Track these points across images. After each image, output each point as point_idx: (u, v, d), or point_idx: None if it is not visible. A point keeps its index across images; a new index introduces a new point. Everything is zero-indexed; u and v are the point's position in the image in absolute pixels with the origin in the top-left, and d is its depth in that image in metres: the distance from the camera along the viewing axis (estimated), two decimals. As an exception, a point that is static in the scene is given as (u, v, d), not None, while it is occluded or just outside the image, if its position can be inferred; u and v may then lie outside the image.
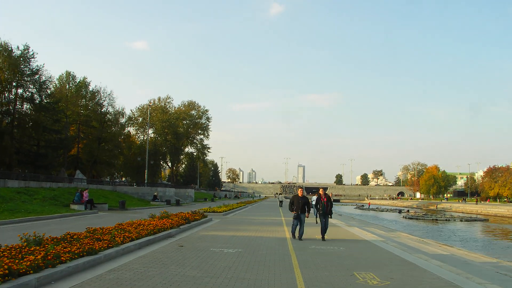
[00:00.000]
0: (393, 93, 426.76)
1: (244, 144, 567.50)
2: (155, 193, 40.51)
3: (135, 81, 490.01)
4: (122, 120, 68.97)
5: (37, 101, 44.34)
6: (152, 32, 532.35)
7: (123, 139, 69.51)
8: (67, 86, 54.35)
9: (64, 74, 54.39)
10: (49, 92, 47.07)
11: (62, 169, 46.35)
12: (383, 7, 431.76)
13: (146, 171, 62.55)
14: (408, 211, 72.14)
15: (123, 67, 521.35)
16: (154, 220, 15.36)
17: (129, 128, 73.16)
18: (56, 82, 53.72)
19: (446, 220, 53.87)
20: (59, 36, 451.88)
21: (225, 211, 27.98)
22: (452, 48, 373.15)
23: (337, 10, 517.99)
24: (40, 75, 44.70)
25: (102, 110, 56.33)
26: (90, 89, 56.56)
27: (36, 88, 44.65)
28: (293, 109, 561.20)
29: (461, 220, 53.53)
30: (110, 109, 57.29)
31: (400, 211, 70.86)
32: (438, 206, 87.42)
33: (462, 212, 70.02)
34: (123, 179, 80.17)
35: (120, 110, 66.59)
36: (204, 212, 25.94)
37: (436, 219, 54.51)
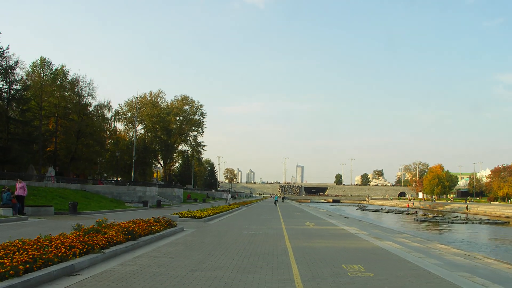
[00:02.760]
0: (392, 94, 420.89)
1: (243, 145, 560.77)
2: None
3: (125, 77, 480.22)
4: (108, 115, 62.51)
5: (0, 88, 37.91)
6: (145, 31, 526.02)
7: (109, 135, 62.98)
8: (42, 75, 47.55)
9: (38, 61, 47.54)
10: (17, 78, 40.72)
11: (30, 165, 39.65)
12: (383, 10, 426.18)
13: (132, 169, 56.11)
14: (416, 212, 65.78)
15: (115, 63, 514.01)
16: (70, 236, 8.72)
17: (116, 123, 66.50)
18: (29, 69, 47.04)
19: (463, 223, 47.56)
20: (56, 33, 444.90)
21: (209, 215, 21.34)
22: (451, 47, 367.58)
23: (339, 13, 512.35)
24: (7, 59, 38.44)
25: (82, 102, 49.66)
26: (69, 79, 49.93)
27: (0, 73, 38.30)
28: (291, 109, 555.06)
29: (479, 223, 47.22)
30: (91, 100, 50.62)
31: (416, 213, 63.99)
32: (445, 206, 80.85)
33: (477, 214, 63.54)
34: (116, 178, 73.42)
35: (105, 103, 60.19)
36: (180, 217, 19.37)
37: (452, 222, 48.21)
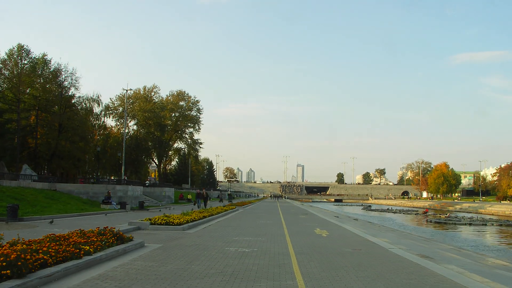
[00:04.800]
0: (392, 94, 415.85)
1: (243, 145, 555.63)
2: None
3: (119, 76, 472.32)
4: (98, 109, 57.74)
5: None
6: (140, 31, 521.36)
7: (98, 130, 58.23)
8: (20, 64, 42.70)
9: (16, 49, 42.67)
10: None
11: (0, 162, 34.89)
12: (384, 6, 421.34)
13: (122, 167, 51.25)
14: (425, 212, 60.74)
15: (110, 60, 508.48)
16: None
17: (106, 118, 61.62)
18: (5, 57, 42.21)
19: (482, 224, 42.57)
20: (51, 30, 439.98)
21: (192, 221, 16.50)
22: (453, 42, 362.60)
23: (338, 16, 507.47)
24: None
25: (65, 94, 44.83)
26: (52, 69, 45.09)
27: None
28: (291, 108, 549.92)
29: (500, 225, 42.29)
30: (74, 92, 45.78)
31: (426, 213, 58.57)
32: (456, 206, 75.80)
33: (493, 214, 58.55)
34: (113, 177, 68.31)
35: (94, 97, 55.59)
36: (151, 224, 14.54)
37: (470, 223, 43.21)
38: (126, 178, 44.37)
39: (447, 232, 33.96)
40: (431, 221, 45.93)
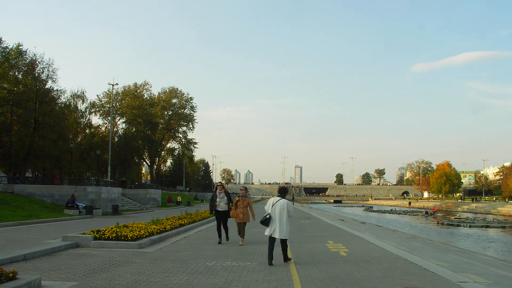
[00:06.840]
0: (389, 94, 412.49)
1: (241, 147, 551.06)
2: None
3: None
4: (82, 106, 53.27)
5: None
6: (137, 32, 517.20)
7: (82, 129, 53.59)
8: (-9, 55, 37.99)
9: (-14, 37, 37.98)
10: None
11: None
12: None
13: (109, 167, 46.74)
14: (430, 213, 56.27)
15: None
16: None
17: (92, 116, 56.97)
18: (-27, 46, 37.49)
19: (501, 226, 38.27)
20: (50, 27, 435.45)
21: (160, 232, 11.97)
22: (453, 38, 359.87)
23: (335, 17, 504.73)
24: None
25: (41, 87, 40.14)
26: (27, 61, 40.40)
27: None
28: (289, 110, 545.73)
29: (521, 227, 38.00)
30: (51, 84, 41.13)
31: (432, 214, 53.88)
32: (463, 207, 71.33)
33: (504, 215, 54.12)
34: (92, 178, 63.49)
35: (79, 93, 51.27)
36: (95, 239, 9.99)
37: (487, 226, 38.87)
38: (101, 179, 39.66)
39: (472, 237, 29.30)
40: (443, 223, 41.57)
